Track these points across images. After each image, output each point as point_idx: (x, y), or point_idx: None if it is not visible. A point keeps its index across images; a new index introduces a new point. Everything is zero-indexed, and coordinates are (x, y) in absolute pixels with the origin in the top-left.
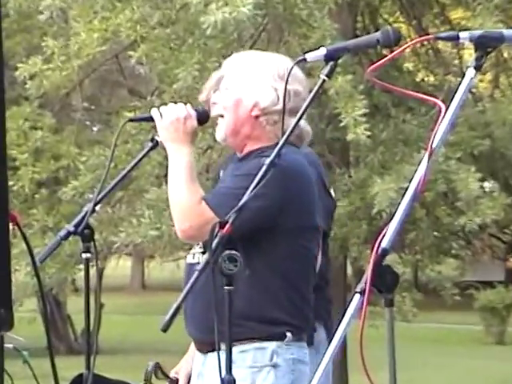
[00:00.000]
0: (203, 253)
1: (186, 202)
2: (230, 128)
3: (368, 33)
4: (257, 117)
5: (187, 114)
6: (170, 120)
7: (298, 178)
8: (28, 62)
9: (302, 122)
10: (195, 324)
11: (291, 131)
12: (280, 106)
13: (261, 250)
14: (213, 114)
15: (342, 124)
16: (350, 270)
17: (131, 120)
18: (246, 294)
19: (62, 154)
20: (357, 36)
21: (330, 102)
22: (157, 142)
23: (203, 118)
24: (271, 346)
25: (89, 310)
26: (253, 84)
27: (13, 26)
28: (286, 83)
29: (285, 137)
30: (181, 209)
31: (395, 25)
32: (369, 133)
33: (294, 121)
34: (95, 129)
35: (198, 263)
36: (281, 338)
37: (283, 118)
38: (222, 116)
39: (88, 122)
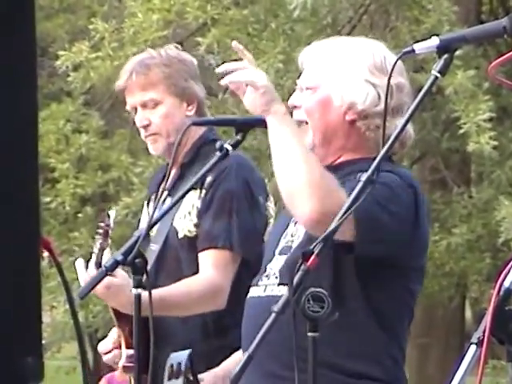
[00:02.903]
0: (281, 285)
1: (310, 176)
2: (319, 137)
3: (496, 18)
4: (353, 122)
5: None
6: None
7: (423, 201)
8: (72, 49)
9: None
10: (261, 379)
11: (396, 138)
12: (382, 107)
13: (367, 287)
14: (295, 118)
15: (461, 131)
16: (468, 314)
17: (195, 123)
18: (333, 340)
19: (112, 164)
20: (481, 22)
21: (446, 103)
22: (227, 150)
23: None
24: None
25: (140, 359)
26: (345, 79)
27: (53, 4)
28: (390, 78)
29: (388, 145)
30: (303, 185)
31: None
32: (495, 142)
33: (398, 122)
34: None
35: (269, 297)
36: None
37: (384, 122)
38: (305, 123)
39: None
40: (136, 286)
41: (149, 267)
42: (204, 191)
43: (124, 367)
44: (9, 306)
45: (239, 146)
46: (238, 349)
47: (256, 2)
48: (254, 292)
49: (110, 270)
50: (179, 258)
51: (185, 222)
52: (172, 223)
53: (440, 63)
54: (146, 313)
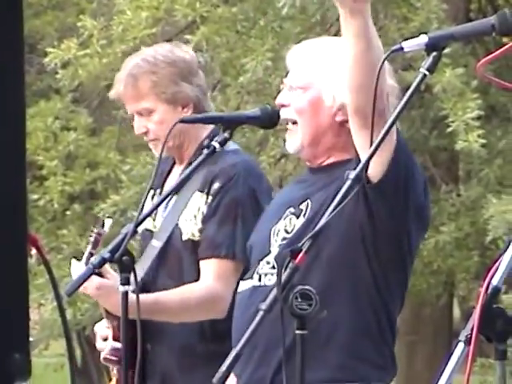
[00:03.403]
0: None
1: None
2: (308, 137)
3: (485, 16)
4: (343, 122)
5: None
6: None
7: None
8: (60, 47)
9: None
10: (250, 376)
11: (383, 137)
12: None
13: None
14: (282, 118)
15: (449, 129)
16: (456, 312)
17: (183, 121)
18: (349, 324)
19: (100, 162)
20: (470, 20)
21: (435, 101)
22: (214, 148)
23: (272, 120)
24: None
25: (127, 357)
26: (337, 80)
27: (42, 1)
28: (378, 76)
29: (375, 144)
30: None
31: None
32: (483, 141)
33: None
34: None
35: (262, 287)
36: None
37: (373, 122)
38: (294, 123)
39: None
40: (123, 284)
41: (149, 263)
42: (211, 197)
43: (105, 359)
44: None
45: (227, 143)
46: None
47: None
48: (245, 283)
49: (98, 267)
50: (181, 258)
51: (190, 224)
52: (178, 223)
53: (428, 61)
54: (134, 315)
